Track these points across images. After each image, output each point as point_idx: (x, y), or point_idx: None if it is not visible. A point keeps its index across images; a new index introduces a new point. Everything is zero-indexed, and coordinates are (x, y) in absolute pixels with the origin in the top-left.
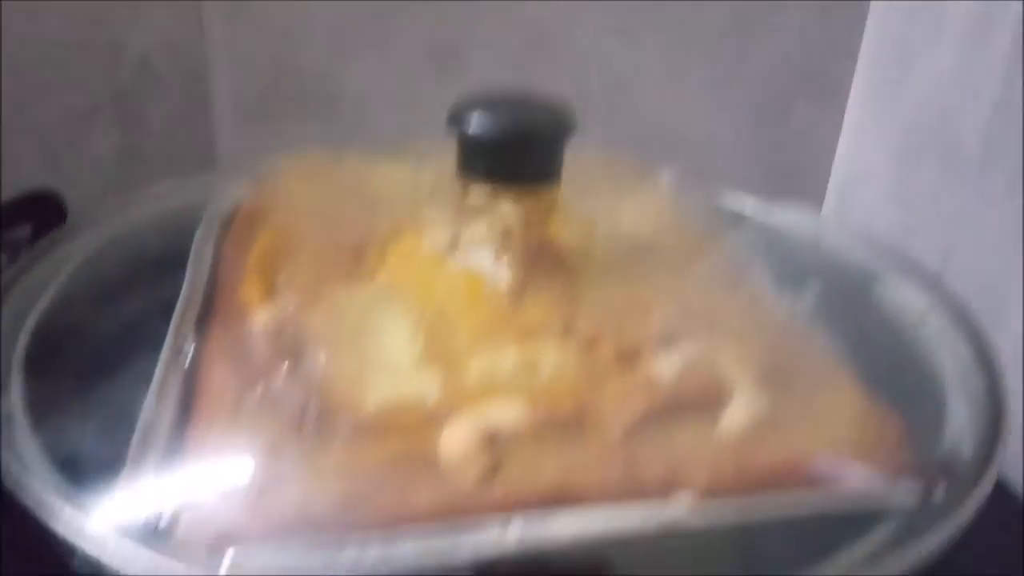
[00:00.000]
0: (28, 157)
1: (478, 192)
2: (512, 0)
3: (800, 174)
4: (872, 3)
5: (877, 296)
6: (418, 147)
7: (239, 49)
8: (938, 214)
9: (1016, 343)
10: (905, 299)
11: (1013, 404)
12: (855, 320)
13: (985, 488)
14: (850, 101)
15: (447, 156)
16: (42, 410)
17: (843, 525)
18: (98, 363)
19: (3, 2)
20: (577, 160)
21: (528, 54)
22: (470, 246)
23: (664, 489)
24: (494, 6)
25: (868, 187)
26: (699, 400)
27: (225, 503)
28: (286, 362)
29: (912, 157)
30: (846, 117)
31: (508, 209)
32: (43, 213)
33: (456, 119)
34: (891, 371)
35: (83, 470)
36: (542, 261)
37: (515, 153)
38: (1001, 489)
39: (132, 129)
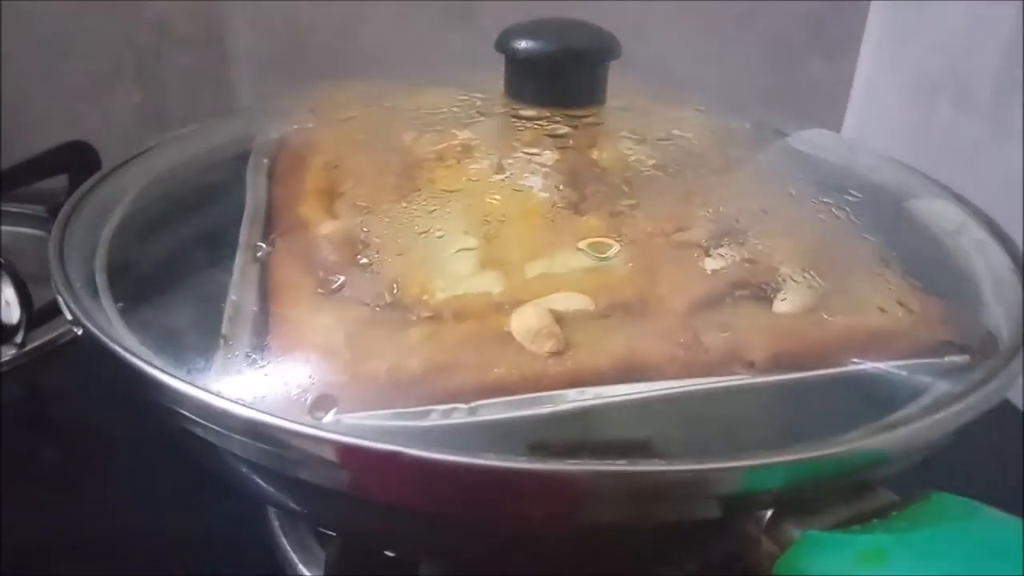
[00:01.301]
0: (52, 117)
1: (526, 112)
2: None
3: (813, 123)
4: None
5: (913, 208)
6: (462, 75)
7: (256, 8)
8: (952, 154)
9: None
10: (940, 211)
11: None
12: (892, 228)
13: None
14: (863, 46)
15: (493, 83)
16: (131, 309)
17: (896, 392)
18: (173, 273)
19: None
20: (621, 84)
21: (541, 11)
22: (527, 159)
23: (725, 362)
24: None
25: (882, 129)
26: (756, 285)
27: (316, 375)
28: (365, 253)
29: (925, 99)
30: (859, 62)
31: (556, 126)
32: (79, 163)
33: (505, 43)
34: (929, 271)
35: (180, 355)
36: (596, 170)
37: (561, 74)
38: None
39: (152, 88)
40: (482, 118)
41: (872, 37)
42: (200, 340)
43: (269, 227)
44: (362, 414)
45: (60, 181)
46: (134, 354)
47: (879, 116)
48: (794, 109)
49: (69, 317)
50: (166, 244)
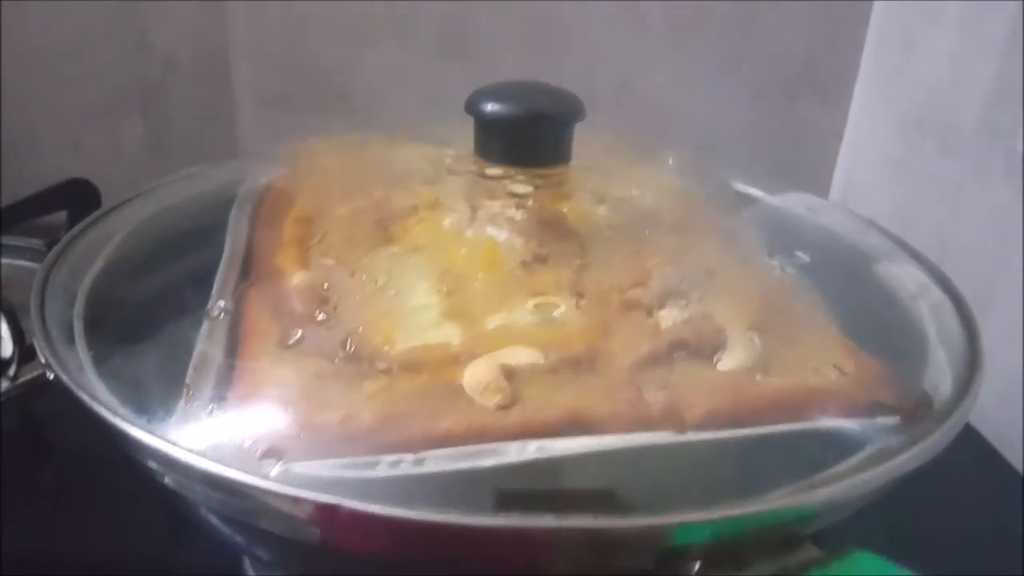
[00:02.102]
0: (58, 147)
1: (492, 171)
2: None
3: (805, 165)
4: None
5: (878, 270)
6: (438, 131)
7: (260, 43)
8: (937, 193)
9: (1011, 316)
10: (904, 274)
11: (1012, 377)
12: (849, 290)
13: (957, 423)
14: (855, 92)
15: (465, 138)
16: (104, 357)
17: (828, 448)
18: (149, 319)
19: None
20: (587, 141)
21: (537, 46)
22: (489, 216)
23: (665, 418)
24: (504, 2)
25: (871, 169)
26: (700, 344)
27: (271, 425)
28: (317, 313)
29: (912, 140)
30: (852, 107)
31: (522, 184)
32: (78, 199)
33: (474, 105)
34: (879, 332)
35: (146, 402)
36: (555, 228)
37: (527, 135)
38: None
39: (157, 120)
40: (450, 176)
41: (863, 77)
42: (167, 389)
43: (247, 274)
44: (312, 463)
45: (61, 215)
46: (99, 401)
47: (868, 154)
48: (786, 148)
49: (43, 361)
50: (144, 290)
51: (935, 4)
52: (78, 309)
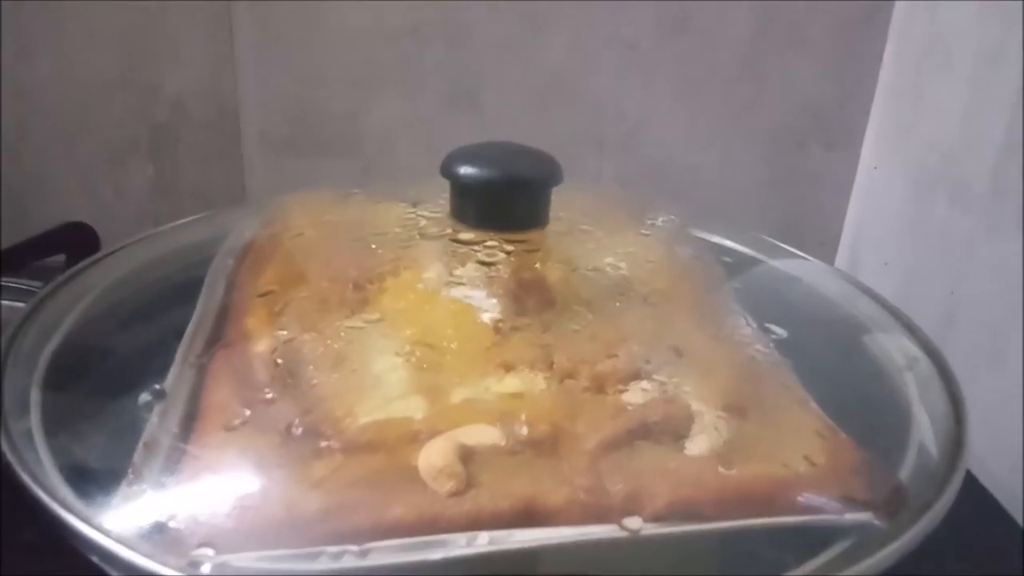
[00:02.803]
0: (69, 191)
1: (466, 235)
2: (529, 47)
3: (814, 216)
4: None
5: (869, 341)
6: (419, 190)
7: (268, 90)
8: (948, 248)
9: (1021, 370)
10: (896, 345)
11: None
12: (831, 358)
13: (934, 518)
14: (866, 141)
15: (444, 199)
16: (58, 424)
17: (796, 543)
18: (112, 382)
19: (49, 43)
20: (573, 201)
21: (544, 98)
22: (460, 283)
23: (626, 507)
24: (512, 52)
25: (882, 224)
26: (665, 427)
27: (212, 512)
28: (279, 384)
29: (923, 194)
30: (862, 157)
31: (496, 249)
32: (76, 243)
33: (449, 168)
34: (861, 411)
35: (91, 480)
36: (526, 297)
37: (503, 200)
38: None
39: (166, 164)
40: (423, 240)
41: (872, 130)
42: (115, 467)
43: (217, 333)
44: (251, 555)
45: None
46: (38, 482)
47: (878, 208)
48: (795, 200)
49: None
50: (107, 356)
51: (945, 60)
52: (39, 374)
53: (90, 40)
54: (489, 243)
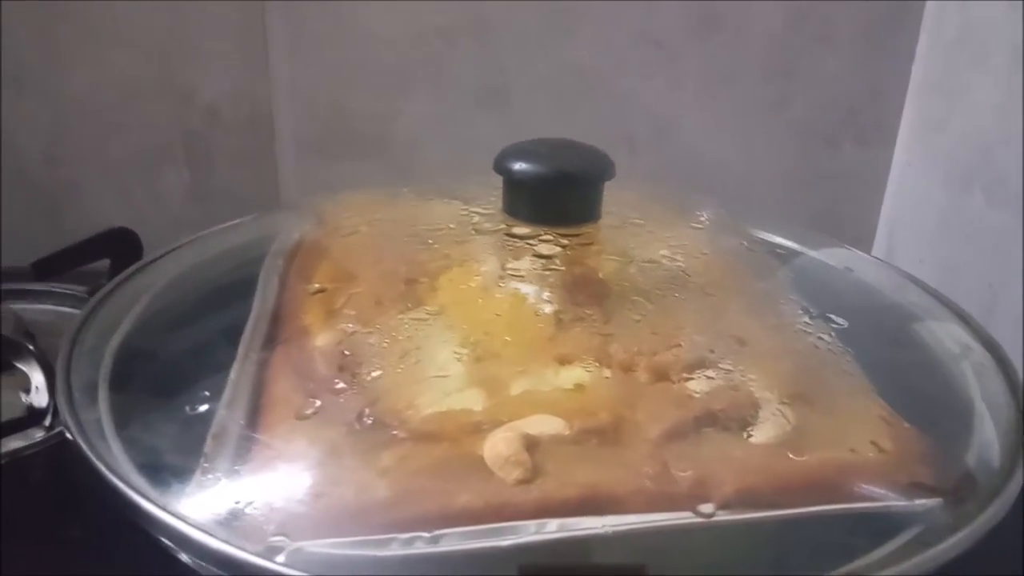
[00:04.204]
0: (105, 195)
1: (520, 230)
2: (558, 46)
3: (848, 212)
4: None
5: (921, 329)
6: (466, 188)
7: (301, 94)
8: (985, 245)
9: None
10: (948, 333)
11: None
12: (892, 352)
13: (1003, 506)
14: (899, 138)
15: (494, 195)
16: (126, 417)
17: (864, 530)
18: (173, 378)
19: (84, 51)
20: (621, 196)
21: (573, 97)
22: (517, 275)
23: (693, 495)
24: (540, 51)
25: (916, 221)
26: (730, 415)
27: (285, 500)
28: (344, 377)
29: (958, 189)
30: (895, 153)
31: (549, 244)
32: (121, 249)
33: (502, 164)
34: (922, 398)
35: (161, 472)
36: (583, 289)
37: (555, 194)
38: None
39: (200, 169)
40: (477, 235)
41: (906, 126)
42: (185, 457)
43: (274, 334)
44: (324, 542)
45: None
46: (112, 470)
47: (913, 204)
48: (828, 196)
49: (63, 423)
50: (171, 350)
51: (978, 55)
52: (104, 369)
53: (125, 47)
54: (544, 237)
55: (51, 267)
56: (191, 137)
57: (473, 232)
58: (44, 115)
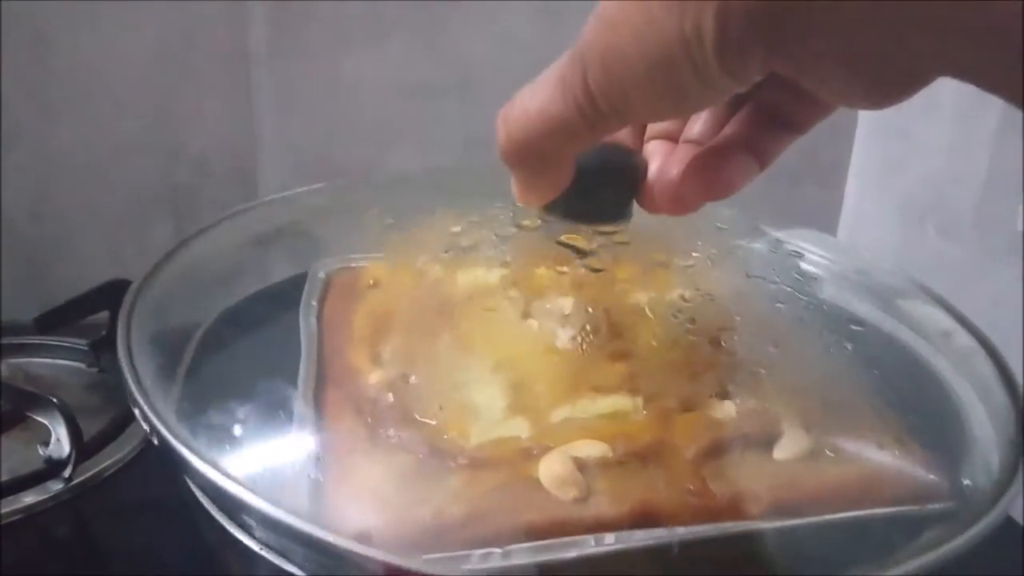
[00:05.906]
0: (94, 251)
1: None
2: None
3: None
4: None
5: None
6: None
7: (287, 147)
8: (938, 279)
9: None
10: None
11: None
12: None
13: (1003, 507)
14: (849, 177)
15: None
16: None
17: (881, 536)
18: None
19: (73, 107)
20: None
21: None
22: (545, 315)
23: (731, 508)
24: None
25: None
26: (756, 435)
27: (368, 514)
28: (396, 411)
29: (912, 226)
30: (847, 192)
31: (578, 279)
32: (119, 300)
33: None
34: (917, 390)
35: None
36: (608, 326)
37: (591, 192)
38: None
39: (189, 222)
40: (515, 230)
41: (856, 166)
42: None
43: (322, 371)
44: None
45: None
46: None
47: (867, 241)
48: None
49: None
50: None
51: (929, 99)
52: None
53: (114, 104)
54: (572, 273)
55: (53, 321)
56: (179, 191)
57: (513, 229)
58: (31, 173)
